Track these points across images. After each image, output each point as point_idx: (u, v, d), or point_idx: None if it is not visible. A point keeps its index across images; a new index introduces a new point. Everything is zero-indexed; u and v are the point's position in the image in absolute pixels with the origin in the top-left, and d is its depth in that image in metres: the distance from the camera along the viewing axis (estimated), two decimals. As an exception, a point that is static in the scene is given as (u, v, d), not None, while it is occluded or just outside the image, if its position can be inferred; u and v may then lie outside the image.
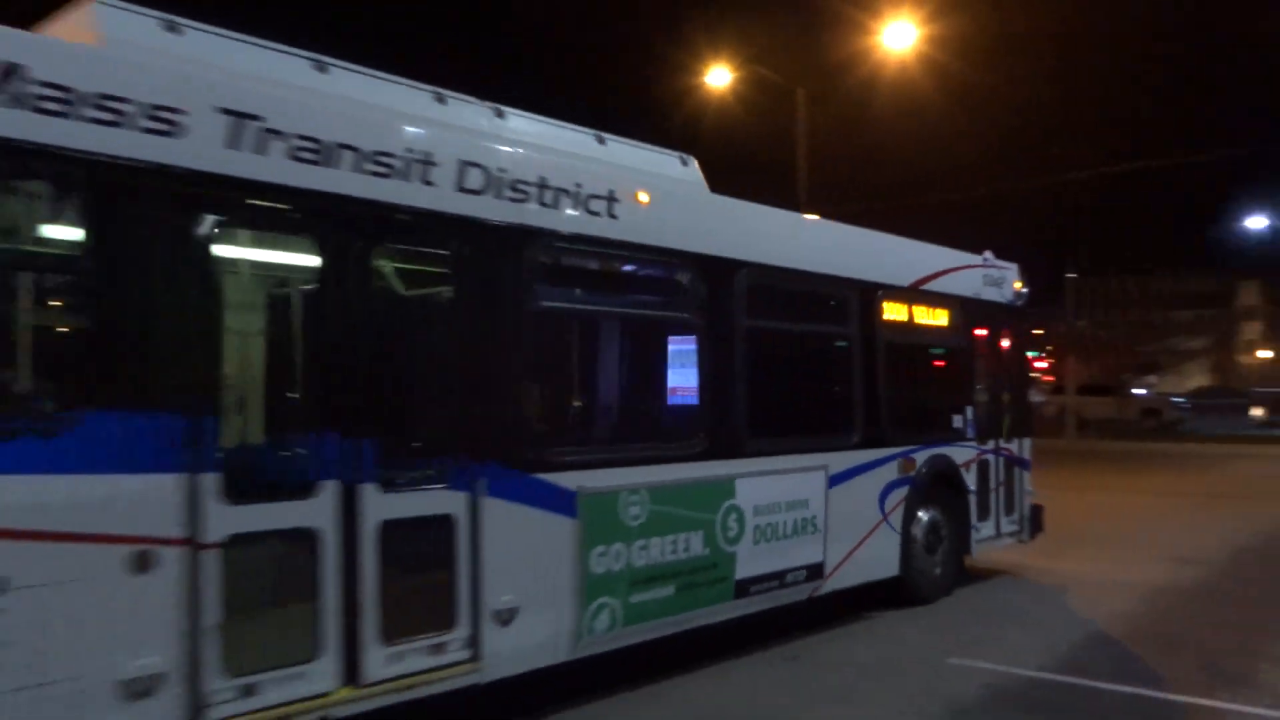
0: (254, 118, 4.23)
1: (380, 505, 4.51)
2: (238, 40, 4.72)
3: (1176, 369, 76.89)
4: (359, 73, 5.09)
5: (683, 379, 6.36)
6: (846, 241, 7.53)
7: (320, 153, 4.44)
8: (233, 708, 4.03)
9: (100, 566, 3.71)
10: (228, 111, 4.16)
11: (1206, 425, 39.51)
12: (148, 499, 3.83)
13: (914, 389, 8.07)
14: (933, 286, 8.17)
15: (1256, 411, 41.00)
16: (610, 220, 5.63)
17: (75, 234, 3.82)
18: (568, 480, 5.26)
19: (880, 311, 7.60)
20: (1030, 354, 10.73)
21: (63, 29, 4.22)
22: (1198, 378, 76.13)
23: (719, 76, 23.87)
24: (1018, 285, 9.23)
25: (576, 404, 6.39)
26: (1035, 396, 11.42)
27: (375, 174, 4.63)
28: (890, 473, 7.46)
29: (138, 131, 3.89)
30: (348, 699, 4.40)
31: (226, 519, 4.01)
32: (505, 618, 4.97)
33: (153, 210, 3.93)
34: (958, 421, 8.35)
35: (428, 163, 4.83)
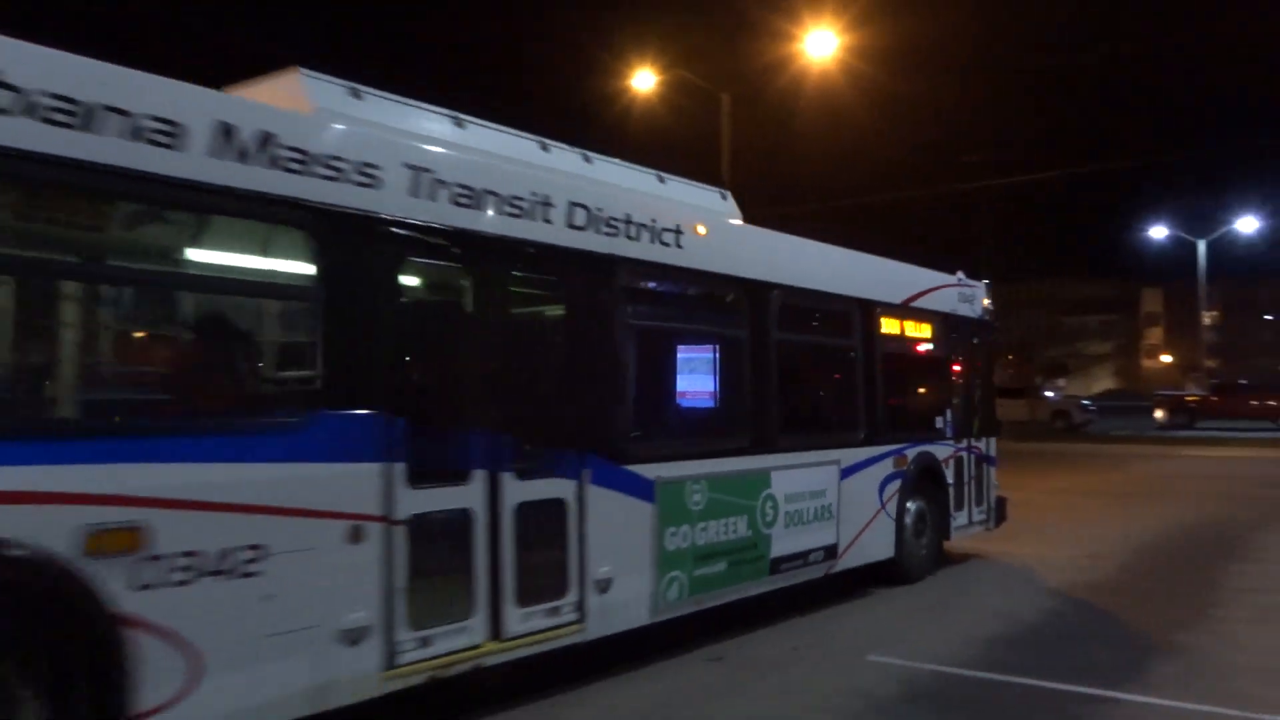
0: (427, 170, 5.25)
1: (515, 490, 5.56)
2: (393, 100, 5.70)
3: (1084, 372, 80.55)
4: (486, 126, 6.11)
5: (728, 384, 7.51)
6: (851, 264, 8.78)
7: (473, 198, 5.47)
8: (413, 655, 5.04)
9: (327, 538, 4.69)
10: (410, 166, 5.17)
11: (1112, 427, 41.91)
12: (359, 483, 4.82)
13: (904, 393, 9.37)
14: (919, 303, 9.49)
15: (1158, 414, 42.58)
16: (678, 250, 6.75)
17: (308, 270, 4.80)
18: (648, 471, 6.37)
19: (878, 325, 8.88)
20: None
21: (270, 94, 5.15)
22: (1104, 381, 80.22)
23: (644, 80, 24.63)
24: (985, 302, 10.63)
25: (653, 405, 7.46)
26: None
27: (511, 215, 5.68)
28: (887, 467, 8.74)
29: (351, 185, 4.88)
30: (493, 651, 5.44)
31: (409, 500, 5.02)
32: (603, 586, 6.05)
33: (360, 249, 4.93)
34: (939, 422, 9.69)
35: (547, 204, 5.89)
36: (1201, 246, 48.94)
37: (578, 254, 6.07)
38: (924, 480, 9.28)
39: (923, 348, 9.73)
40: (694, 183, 7.61)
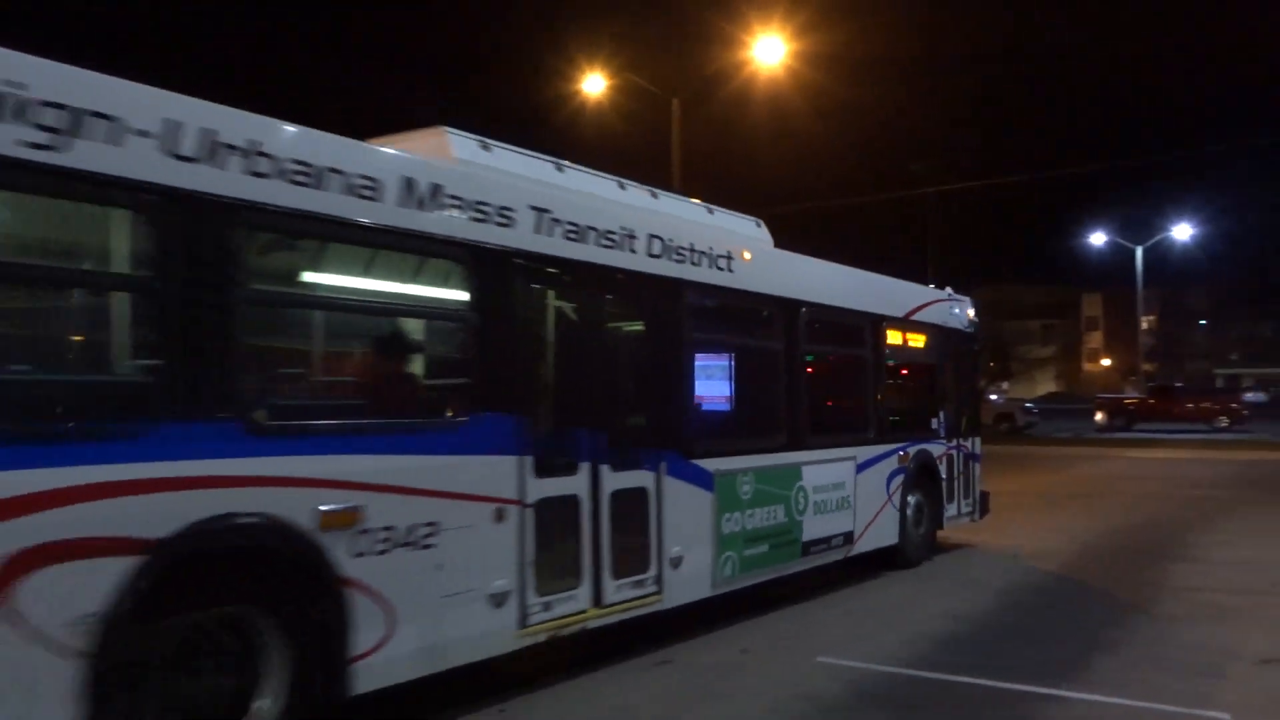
0: (547, 211, 6.36)
1: (610, 480, 6.67)
2: (511, 150, 6.77)
3: (1027, 375, 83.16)
4: (578, 169, 7.22)
5: (767, 389, 8.70)
6: (862, 283, 10.04)
7: (578, 233, 6.59)
8: (539, 617, 6.14)
9: (480, 517, 5.77)
10: (534, 208, 6.27)
11: (1055, 429, 43.68)
12: (502, 473, 5.91)
13: (905, 396, 10.64)
14: (916, 316, 10.79)
15: (1099, 416, 44.15)
16: (729, 273, 7.93)
17: (464, 296, 5.88)
18: (709, 465, 7.52)
19: (885, 336, 10.15)
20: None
21: (415, 145, 6.19)
22: (1046, 384, 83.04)
23: (594, 84, 25.22)
24: (970, 314, 11.97)
25: (710, 407, 8.58)
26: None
27: (605, 246, 6.81)
28: (893, 463, 10.01)
29: (494, 225, 5.98)
30: (594, 616, 6.55)
31: (535, 488, 6.12)
32: (676, 562, 7.19)
33: (500, 278, 6.02)
34: (934, 423, 11.00)
35: (631, 236, 7.02)
36: (1139, 253, 51.05)
37: (655, 279, 7.21)
38: (922, 475, 10.58)
39: (919, 355, 11.03)
40: (734, 213, 8.77)
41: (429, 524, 5.44)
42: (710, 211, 8.41)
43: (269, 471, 4.72)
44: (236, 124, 4.75)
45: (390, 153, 5.53)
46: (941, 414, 11.16)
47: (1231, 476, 21.89)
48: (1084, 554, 11.42)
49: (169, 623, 4.37)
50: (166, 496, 4.32)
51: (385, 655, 5.18)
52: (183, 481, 4.38)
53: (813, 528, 8.71)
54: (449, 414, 5.82)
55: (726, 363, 8.62)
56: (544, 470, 6.19)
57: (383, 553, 5.18)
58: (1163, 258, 60.86)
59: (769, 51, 23.18)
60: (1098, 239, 56.38)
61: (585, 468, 6.50)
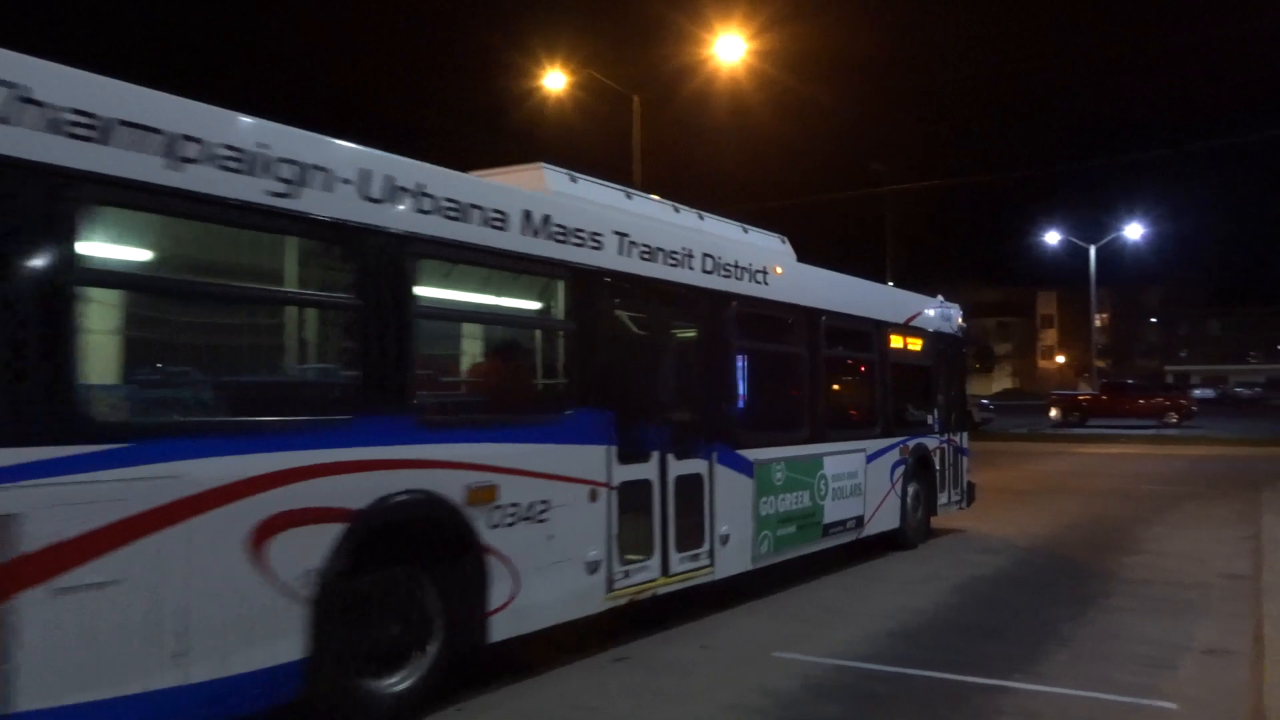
0: (626, 235, 7.51)
1: (673, 466, 7.84)
2: (592, 182, 7.89)
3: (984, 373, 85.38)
4: (643, 197, 8.36)
5: (794, 387, 9.91)
6: (870, 292, 11.30)
7: (650, 254, 7.75)
8: (621, 583, 7.29)
9: (579, 496, 6.91)
10: (617, 233, 7.42)
11: (1010, 425, 45.18)
12: (587, 459, 7.05)
13: (905, 394, 11.92)
14: (914, 322, 12.10)
15: (1053, 413, 45.43)
16: (765, 286, 9.13)
17: (565, 309, 7.02)
18: (750, 454, 8.72)
19: (889, 340, 11.42)
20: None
21: (519, 178, 7.30)
22: (1003, 381, 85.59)
23: (555, 80, 25.85)
24: (959, 320, 13.31)
25: (749, 404, 9.74)
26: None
27: (670, 265, 7.98)
28: (895, 455, 11.28)
29: (588, 248, 7.12)
30: (662, 584, 7.71)
31: (618, 472, 7.27)
32: (724, 540, 8.38)
33: (592, 294, 7.16)
34: (929, 420, 12.30)
35: (690, 256, 8.20)
36: (1092, 252, 52.73)
37: (708, 292, 8.40)
38: (920, 466, 11.88)
39: (917, 357, 12.33)
40: (763, 231, 9.96)
41: (543, 501, 6.58)
42: (745, 230, 9.60)
43: (432, 456, 5.83)
44: (407, 170, 5.86)
45: (513, 189, 6.66)
46: (935, 411, 12.47)
47: (1181, 471, 22.92)
48: (1039, 547, 12.05)
49: (364, 579, 5.47)
50: (362, 476, 5.43)
51: (512, 610, 6.32)
52: (373, 464, 5.49)
53: (832, 511, 9.95)
54: (556, 410, 6.95)
55: (761, 364, 9.79)
56: (624, 458, 7.34)
57: (511, 525, 6.32)
58: (1115, 257, 62.97)
59: (729, 50, 23.96)
60: (1053, 238, 57.83)
61: (655, 456, 7.67)
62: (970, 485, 13.48)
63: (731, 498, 8.48)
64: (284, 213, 5.17)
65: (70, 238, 4.32)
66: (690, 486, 8.04)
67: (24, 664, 4.04)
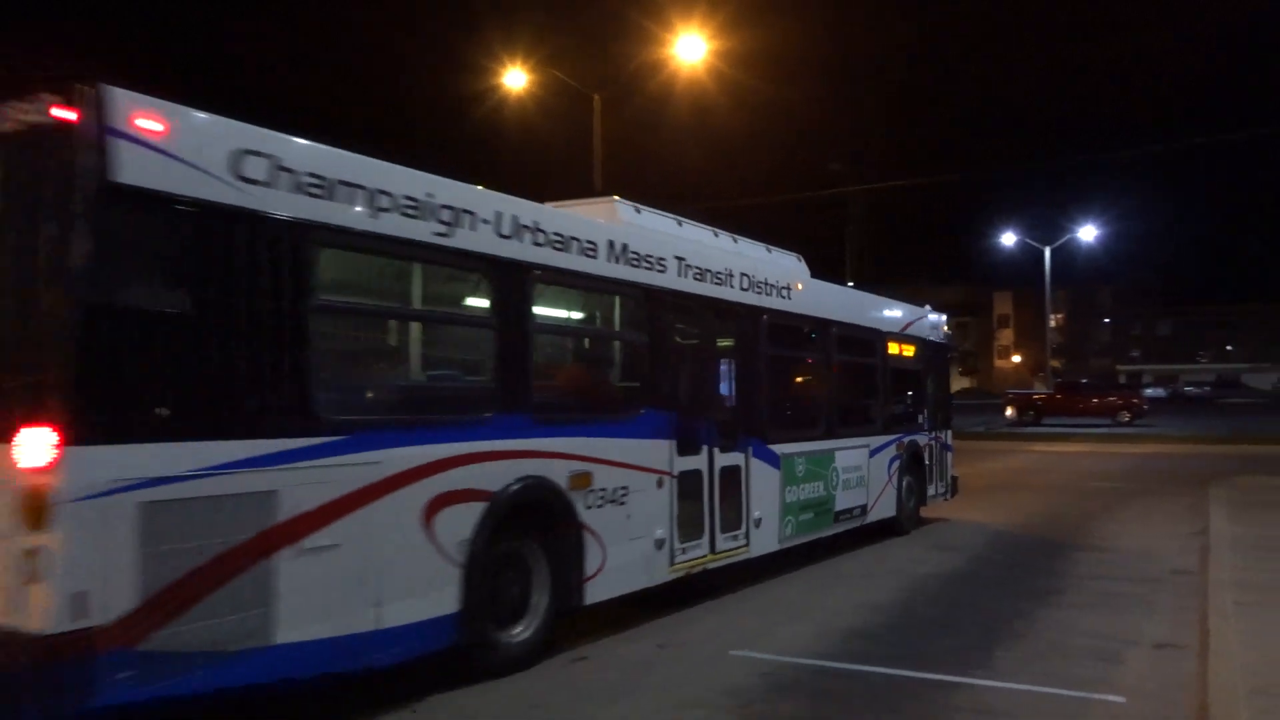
0: (683, 259, 8.87)
1: (718, 458, 9.22)
2: (652, 212, 9.21)
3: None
4: (690, 224, 9.71)
5: (811, 389, 11.33)
6: (872, 304, 12.78)
7: (701, 276, 9.12)
8: (680, 559, 8.65)
9: (650, 483, 8.26)
10: (676, 257, 8.78)
11: (967, 424, 46.95)
12: (656, 451, 8.40)
13: (901, 396, 13.42)
14: (908, 331, 13.60)
15: (1009, 411, 46.80)
16: (788, 300, 10.54)
17: (639, 323, 8.38)
18: (778, 449, 10.12)
19: (888, 347, 12.90)
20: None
21: (595, 210, 8.61)
22: (960, 380, 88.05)
23: (516, 79, 26.23)
24: (945, 328, 14.84)
25: (776, 403, 11.10)
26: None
27: (716, 284, 9.35)
28: (892, 450, 12.76)
29: (654, 271, 8.47)
30: (710, 560, 9.08)
31: (677, 463, 8.63)
32: (758, 523, 9.77)
33: (658, 310, 8.52)
34: (920, 418, 13.80)
35: (731, 275, 9.58)
36: (1047, 253, 54.17)
37: (745, 307, 9.79)
38: (912, 461, 13.38)
39: (910, 362, 13.83)
40: (782, 250, 11.36)
41: (623, 487, 7.92)
42: (769, 250, 10.99)
43: (546, 448, 7.16)
44: (527, 210, 7.18)
45: (601, 224, 8.01)
46: (925, 410, 13.99)
47: (1132, 469, 23.92)
48: (996, 544, 12.60)
49: (498, 549, 6.78)
50: (499, 463, 6.75)
51: (601, 578, 7.66)
52: (505, 454, 6.82)
53: (841, 500, 11.40)
54: (632, 410, 8.29)
55: (785, 369, 11.20)
56: (682, 451, 8.70)
57: (600, 506, 7.66)
58: (1070, 258, 65.07)
59: (690, 49, 24.52)
60: (1009, 239, 59.34)
61: (704, 449, 9.03)
62: (954, 478, 15.04)
63: (763, 486, 9.87)
64: (444, 248, 6.48)
65: (308, 274, 5.61)
66: (731, 476, 9.42)
67: (279, 609, 5.32)
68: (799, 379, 11.44)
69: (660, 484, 8.38)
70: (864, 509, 12.01)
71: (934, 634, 7.98)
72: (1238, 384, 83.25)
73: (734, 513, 9.45)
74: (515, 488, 6.86)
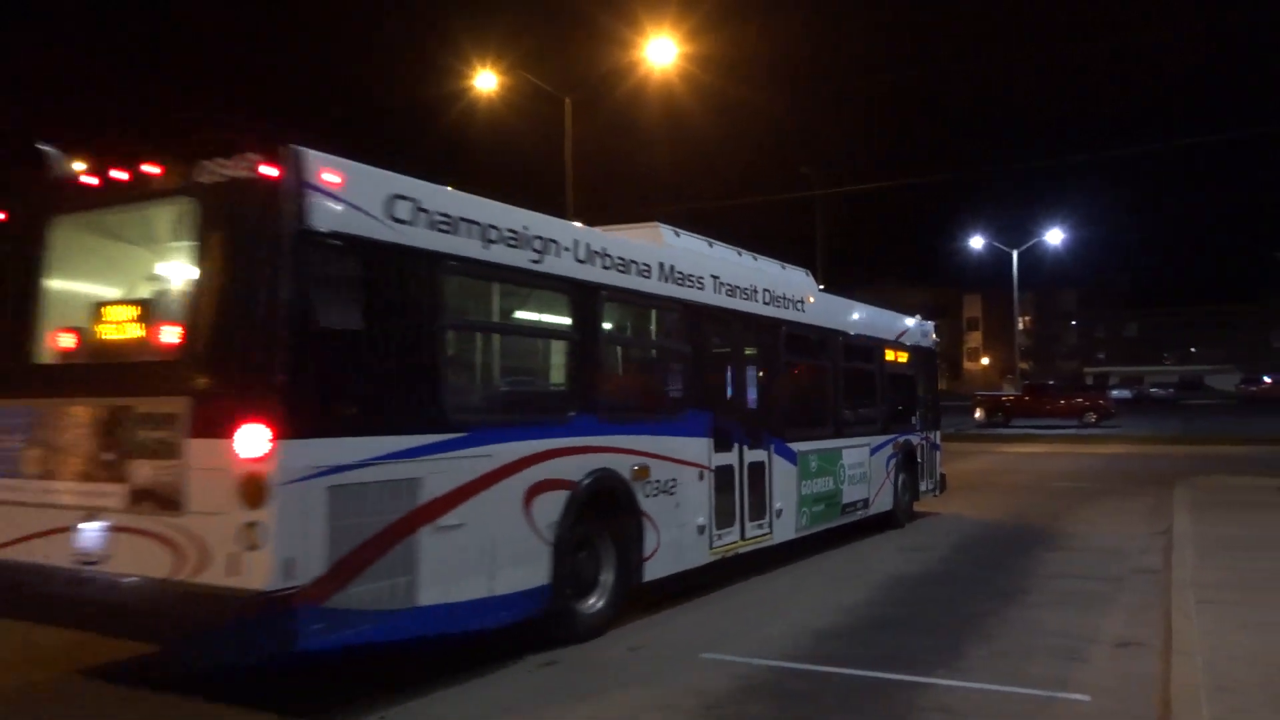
0: (717, 277, 10.18)
1: (747, 455, 10.52)
2: (689, 235, 10.48)
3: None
4: (720, 245, 11.00)
5: (821, 393, 12.68)
6: (872, 314, 14.19)
7: (732, 292, 10.43)
8: (717, 544, 9.92)
9: (692, 476, 9.54)
10: (711, 276, 10.08)
11: (938, 426, 48.44)
12: (698, 448, 9.69)
13: (896, 398, 14.81)
14: (902, 339, 15.02)
15: (978, 413, 48.25)
16: (802, 313, 11.88)
17: (682, 334, 9.66)
18: (796, 446, 11.45)
19: (885, 353, 14.30)
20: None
21: (641, 234, 9.85)
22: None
23: (487, 81, 26.83)
24: (934, 335, 16.27)
25: (793, 406, 12.40)
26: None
27: (743, 299, 10.66)
28: (889, 449, 14.15)
29: (694, 289, 9.77)
30: (740, 545, 10.39)
31: (713, 458, 9.92)
32: (779, 513, 11.08)
33: (697, 324, 9.81)
34: (913, 419, 15.21)
35: (755, 291, 10.90)
36: (1014, 256, 56.47)
37: (768, 319, 11.12)
38: (906, 459, 14.78)
39: (904, 367, 15.24)
40: (793, 266, 12.67)
41: (673, 479, 9.20)
42: (783, 267, 12.31)
43: (614, 445, 8.43)
44: (597, 238, 8.45)
45: (654, 248, 9.30)
46: (917, 412, 15.40)
47: (1098, 469, 24.82)
48: (964, 544, 13.08)
49: (577, 530, 8.02)
50: (578, 457, 8.01)
51: (656, 559, 8.93)
52: (583, 449, 8.08)
53: (848, 494, 12.76)
54: (679, 411, 9.57)
55: (799, 374, 12.52)
56: (717, 447, 9.99)
57: (656, 495, 8.93)
58: (1037, 261, 67.01)
59: (661, 53, 25.32)
60: (977, 243, 61.04)
61: (735, 446, 10.33)
62: (942, 475, 16.47)
63: (783, 480, 11.19)
64: (536, 273, 7.75)
65: (440, 297, 6.85)
66: (757, 471, 10.73)
67: (421, 576, 6.54)
68: (811, 383, 12.76)
69: (701, 477, 9.66)
70: (866, 502, 13.37)
71: (903, 635, 8.26)
72: (1200, 385, 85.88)
73: (759, 503, 10.75)
74: (591, 478, 8.11)
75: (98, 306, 6.77)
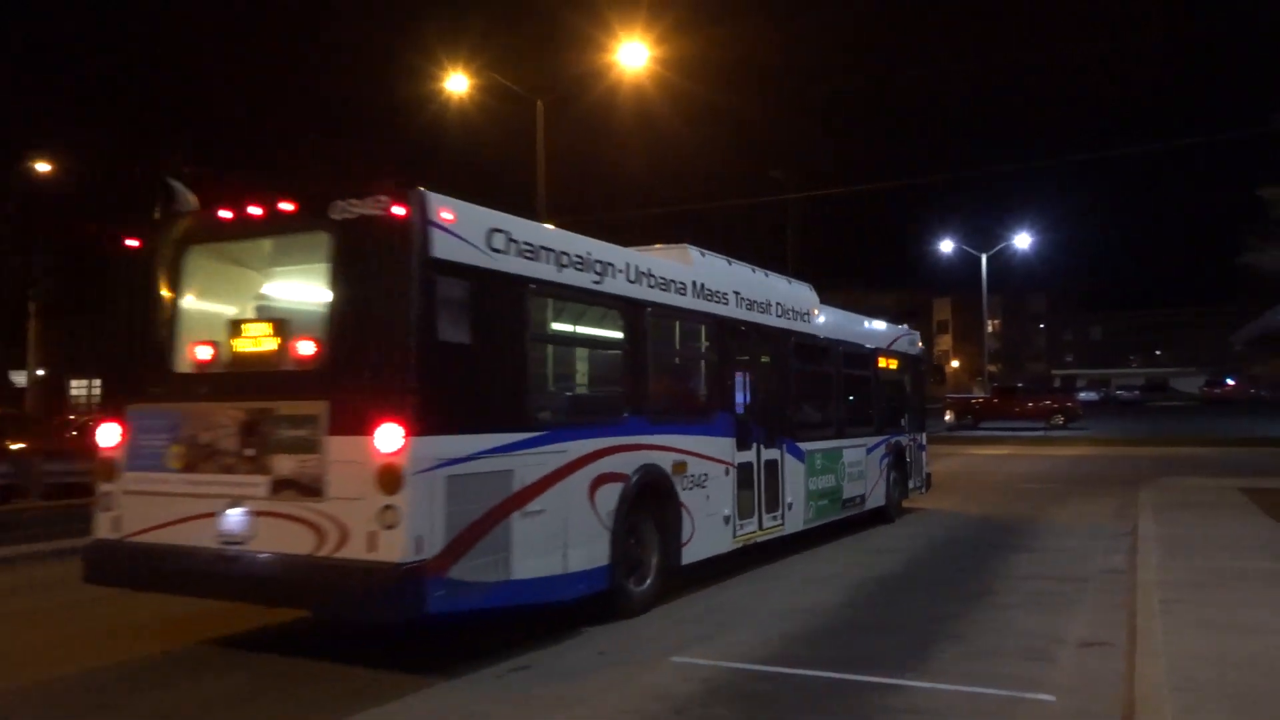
0: (739, 292, 11.56)
1: (763, 454, 11.90)
2: (712, 255, 11.82)
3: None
4: (739, 263, 12.36)
5: (824, 397, 14.09)
6: (868, 325, 15.63)
7: (752, 306, 11.80)
8: (739, 533, 11.27)
9: (720, 471, 10.89)
10: (735, 292, 11.46)
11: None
12: (724, 447, 11.05)
13: (888, 402, 16.27)
14: (892, 347, 16.50)
15: (948, 416, 50.12)
16: (809, 324, 13.30)
17: (711, 346, 11.03)
18: (805, 446, 12.85)
19: (879, 360, 15.76)
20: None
21: (671, 255, 11.16)
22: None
23: (458, 83, 27.13)
24: (919, 344, 17.77)
25: (802, 409, 13.77)
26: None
27: (759, 311, 12.04)
28: (883, 449, 15.60)
29: (720, 304, 11.14)
30: (758, 535, 11.76)
31: (736, 456, 11.29)
32: (790, 507, 12.47)
33: (721, 335, 11.18)
34: (903, 422, 16.68)
35: (769, 304, 12.29)
36: (984, 260, 57.94)
37: (780, 330, 12.52)
38: (897, 458, 16.24)
39: (894, 373, 16.71)
40: (798, 281, 14.06)
41: (704, 474, 10.56)
42: (790, 282, 13.69)
43: (658, 443, 9.77)
44: (643, 260, 9.80)
45: (684, 266, 10.65)
46: (906, 415, 16.87)
47: (1065, 471, 25.69)
48: (933, 546, 13.63)
49: (630, 518, 9.34)
50: (630, 453, 9.34)
51: (691, 545, 10.27)
52: (633, 446, 9.41)
53: (847, 490, 14.19)
54: (708, 413, 10.92)
55: (806, 380, 13.91)
56: (739, 446, 11.35)
57: (691, 488, 10.28)
58: (1006, 265, 68.93)
59: (632, 56, 25.93)
60: (947, 246, 62.55)
61: (754, 445, 11.70)
62: (928, 474, 17.96)
63: (794, 477, 12.58)
64: (597, 292, 9.08)
65: (525, 314, 8.16)
66: (772, 468, 12.11)
67: (514, 553, 7.84)
68: (816, 388, 14.15)
69: (726, 472, 11.02)
70: (863, 498, 14.81)
71: (872, 637, 8.49)
72: (1166, 387, 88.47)
73: (774, 497, 12.13)
74: (640, 472, 9.44)
75: (234, 323, 8.04)
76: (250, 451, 7.55)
